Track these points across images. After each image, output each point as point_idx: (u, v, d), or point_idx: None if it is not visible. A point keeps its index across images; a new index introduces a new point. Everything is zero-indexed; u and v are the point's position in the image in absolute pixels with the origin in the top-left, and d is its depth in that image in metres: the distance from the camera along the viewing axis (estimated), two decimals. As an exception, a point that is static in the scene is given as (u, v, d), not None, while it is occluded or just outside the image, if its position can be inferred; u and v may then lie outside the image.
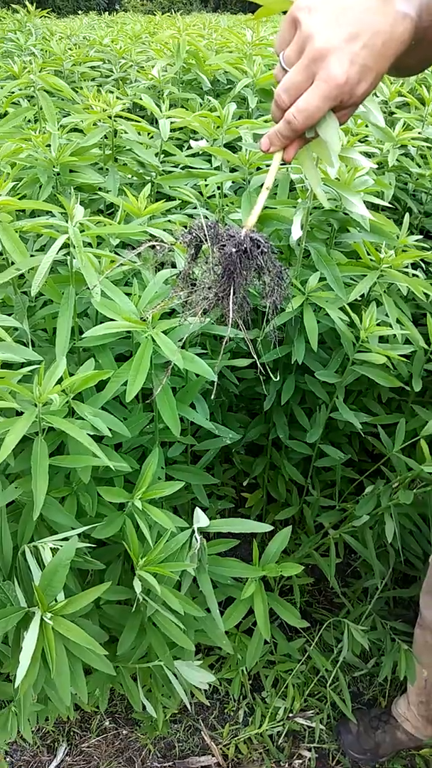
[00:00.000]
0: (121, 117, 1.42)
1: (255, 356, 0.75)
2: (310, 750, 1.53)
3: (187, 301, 0.68)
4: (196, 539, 1.00)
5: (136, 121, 1.46)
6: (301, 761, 1.51)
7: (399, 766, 1.51)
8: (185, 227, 0.68)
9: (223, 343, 0.73)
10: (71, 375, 0.93)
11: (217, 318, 0.69)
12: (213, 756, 1.51)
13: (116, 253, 1.18)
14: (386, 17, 0.59)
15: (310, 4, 0.60)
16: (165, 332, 0.96)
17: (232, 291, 0.65)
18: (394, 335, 1.21)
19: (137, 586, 0.94)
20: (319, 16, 0.59)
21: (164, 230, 1.18)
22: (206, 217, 0.68)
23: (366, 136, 1.57)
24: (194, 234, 0.67)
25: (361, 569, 1.78)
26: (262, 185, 1.17)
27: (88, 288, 0.95)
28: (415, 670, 1.41)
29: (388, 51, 0.60)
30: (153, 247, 0.75)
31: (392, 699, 1.57)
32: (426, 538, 1.55)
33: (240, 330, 0.68)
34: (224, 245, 0.65)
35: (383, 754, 1.50)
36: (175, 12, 2.92)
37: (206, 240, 0.66)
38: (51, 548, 0.90)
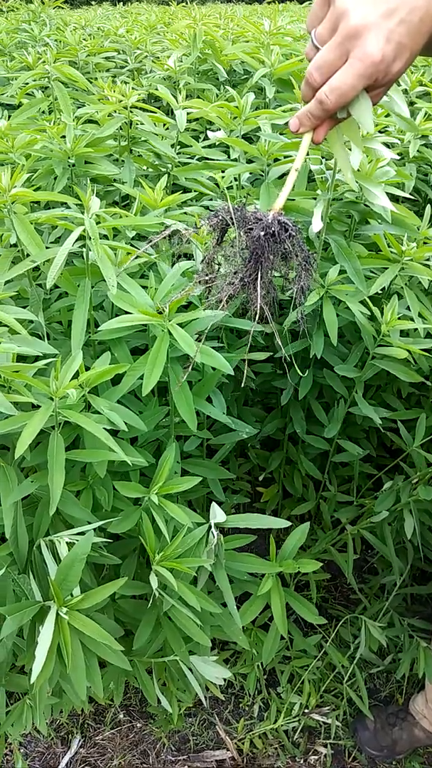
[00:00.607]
0: (136, 108, 1.41)
1: (281, 347, 0.73)
2: (326, 746, 1.52)
3: (212, 287, 0.66)
4: (212, 535, 0.99)
5: (151, 111, 1.45)
6: (316, 757, 1.51)
7: (416, 764, 1.50)
8: (211, 210, 0.66)
9: (249, 335, 0.71)
10: (87, 368, 0.92)
11: (237, 309, 0.68)
12: (228, 750, 1.50)
13: (132, 245, 1.17)
14: None
15: None
16: (182, 325, 0.95)
17: (259, 275, 0.63)
18: (416, 329, 1.19)
19: (153, 581, 0.94)
20: None
21: (181, 221, 1.17)
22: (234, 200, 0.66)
23: (386, 126, 1.54)
24: (220, 217, 0.66)
25: (378, 565, 1.77)
26: (281, 176, 1.15)
27: (104, 280, 0.94)
28: (433, 668, 1.40)
29: (424, 27, 0.58)
30: (173, 235, 0.73)
31: (410, 696, 1.56)
32: (445, 535, 1.53)
33: (265, 317, 0.65)
34: (251, 228, 0.63)
35: (400, 752, 1.49)
36: (190, 2, 2.88)
37: (233, 223, 0.64)
38: (67, 542, 0.89)
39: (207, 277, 0.68)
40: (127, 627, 1.14)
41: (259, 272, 0.63)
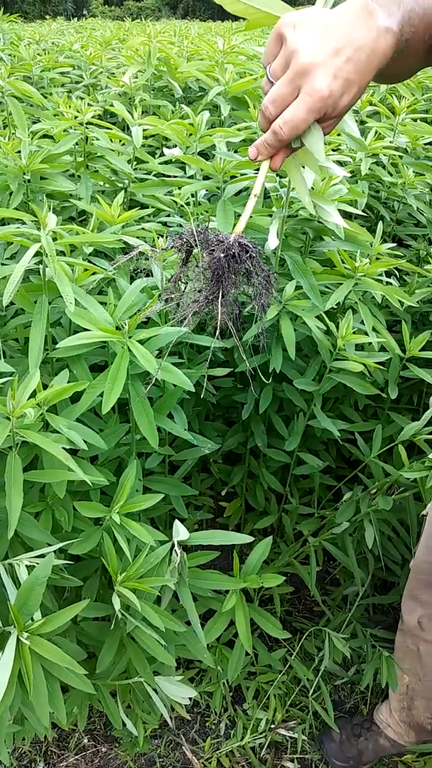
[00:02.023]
0: (92, 124, 1.41)
1: (244, 359, 0.75)
2: (293, 761, 1.51)
3: (178, 304, 0.69)
4: (176, 553, 0.98)
5: (107, 128, 1.45)
6: (283, 773, 1.50)
7: (381, 774, 1.51)
8: (176, 233, 0.70)
9: (210, 350, 0.74)
10: (45, 387, 0.91)
11: (197, 326, 0.70)
12: (194, 771, 1.48)
13: (90, 261, 1.16)
14: (369, 32, 0.61)
15: (295, 20, 0.62)
16: (141, 342, 0.95)
17: (221, 294, 0.66)
18: (370, 343, 1.22)
19: (116, 602, 0.92)
20: (304, 31, 0.61)
21: (138, 238, 1.17)
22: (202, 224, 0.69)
23: (339, 145, 1.58)
24: (185, 239, 0.69)
25: (340, 576, 1.78)
26: (237, 193, 1.17)
27: (62, 297, 0.93)
28: (396, 677, 1.41)
29: (370, 65, 0.62)
30: (142, 253, 0.75)
31: (374, 706, 1.57)
32: (405, 544, 1.55)
33: (228, 332, 0.69)
34: (214, 250, 0.67)
35: (366, 762, 1.49)
36: (144, 18, 2.91)
37: (196, 245, 0.68)
38: (27, 565, 0.87)
39: (172, 295, 0.71)
40: (90, 650, 1.11)
41: (221, 290, 0.67)
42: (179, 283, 0.71)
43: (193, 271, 0.69)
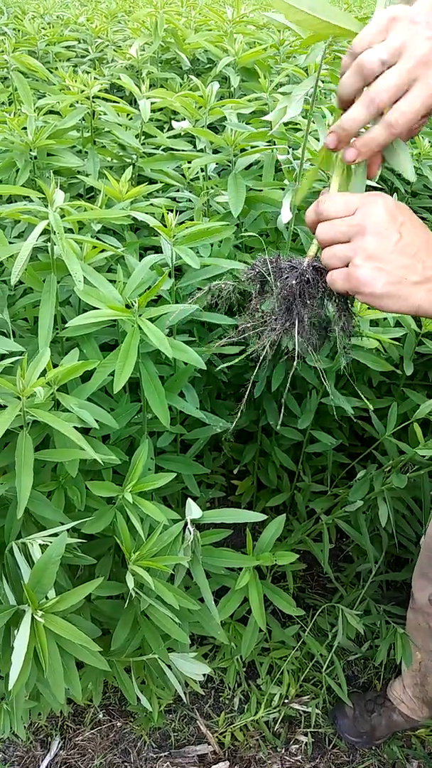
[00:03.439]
0: (99, 98, 1.38)
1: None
2: (306, 735, 1.53)
3: (256, 334, 0.69)
4: (189, 531, 0.98)
5: (114, 102, 1.42)
6: (297, 746, 1.51)
7: (395, 748, 1.52)
8: (248, 264, 0.69)
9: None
10: (55, 366, 0.90)
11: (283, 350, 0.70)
12: (209, 744, 1.50)
13: (98, 238, 1.14)
14: None
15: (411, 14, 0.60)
16: (152, 320, 0.93)
17: (296, 321, 0.65)
18: (385, 318, 1.19)
19: (130, 581, 0.92)
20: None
21: (147, 214, 1.15)
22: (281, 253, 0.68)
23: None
24: (257, 270, 0.69)
25: (353, 554, 1.78)
26: (248, 166, 1.14)
27: (70, 275, 0.92)
28: (411, 653, 1.42)
29: None
30: (214, 291, 0.75)
31: (387, 682, 1.58)
32: (418, 521, 1.54)
33: (310, 356, 0.68)
34: (287, 277, 0.66)
35: (379, 737, 1.50)
36: (151, -10, 2.84)
37: (269, 274, 0.67)
38: (40, 544, 0.87)
39: (249, 325, 0.70)
40: (104, 627, 1.12)
41: (296, 318, 0.66)
42: (255, 313, 0.70)
43: (267, 299, 0.69)
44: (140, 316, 0.93)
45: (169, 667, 1.14)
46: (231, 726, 1.52)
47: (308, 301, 0.65)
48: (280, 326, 0.66)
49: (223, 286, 0.76)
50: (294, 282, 0.65)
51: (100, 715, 1.56)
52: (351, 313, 0.69)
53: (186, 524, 0.98)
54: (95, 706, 1.57)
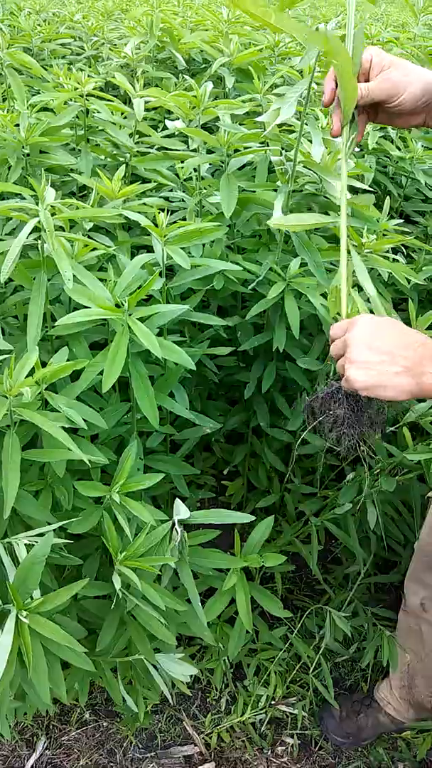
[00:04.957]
0: (93, 96, 1.37)
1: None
2: (292, 737, 1.53)
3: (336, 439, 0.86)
4: (176, 531, 0.97)
5: (109, 100, 1.41)
6: (283, 748, 1.51)
7: (381, 749, 1.52)
8: (302, 409, 0.88)
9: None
10: (44, 365, 0.90)
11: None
12: (195, 745, 1.50)
13: (90, 237, 1.14)
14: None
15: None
16: (142, 319, 0.93)
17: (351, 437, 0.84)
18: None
19: (117, 581, 0.92)
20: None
21: (139, 213, 1.15)
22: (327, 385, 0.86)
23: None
24: (308, 405, 0.87)
25: (342, 555, 1.78)
26: (241, 167, 1.14)
27: (60, 273, 0.91)
28: (397, 656, 1.42)
29: None
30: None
31: (374, 684, 1.58)
32: (407, 524, 1.55)
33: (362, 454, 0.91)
34: (329, 406, 0.84)
35: (365, 738, 1.51)
36: (148, -11, 2.83)
37: (317, 409, 0.85)
38: (26, 544, 0.87)
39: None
40: (90, 627, 1.12)
41: (353, 435, 0.84)
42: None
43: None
44: (130, 315, 0.93)
45: (155, 667, 1.14)
46: (217, 727, 1.52)
47: (350, 414, 0.83)
48: (335, 440, 0.85)
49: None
50: (340, 412, 0.83)
51: (86, 715, 1.55)
52: (384, 415, 0.85)
53: (174, 524, 0.98)
54: (81, 706, 1.56)
